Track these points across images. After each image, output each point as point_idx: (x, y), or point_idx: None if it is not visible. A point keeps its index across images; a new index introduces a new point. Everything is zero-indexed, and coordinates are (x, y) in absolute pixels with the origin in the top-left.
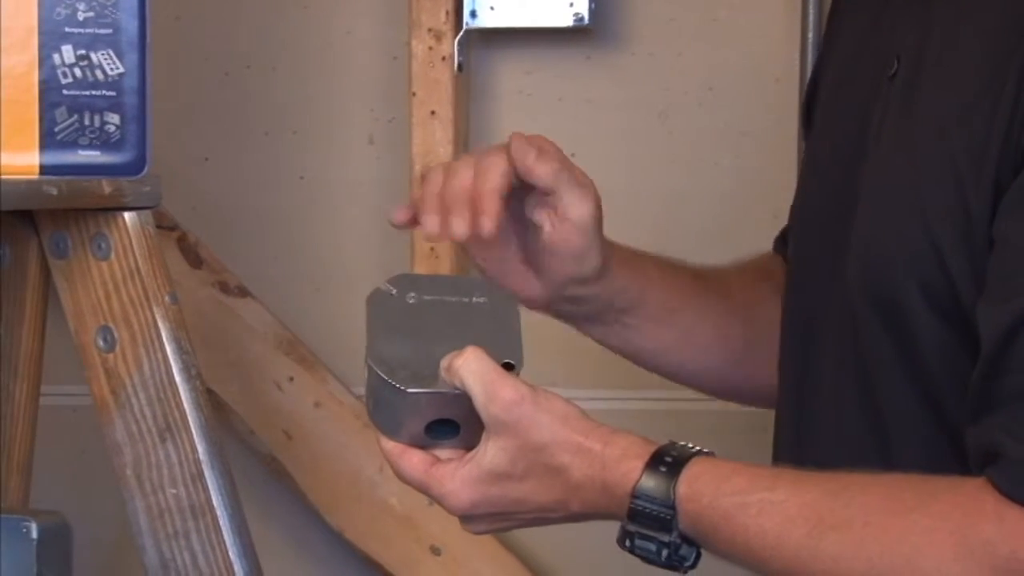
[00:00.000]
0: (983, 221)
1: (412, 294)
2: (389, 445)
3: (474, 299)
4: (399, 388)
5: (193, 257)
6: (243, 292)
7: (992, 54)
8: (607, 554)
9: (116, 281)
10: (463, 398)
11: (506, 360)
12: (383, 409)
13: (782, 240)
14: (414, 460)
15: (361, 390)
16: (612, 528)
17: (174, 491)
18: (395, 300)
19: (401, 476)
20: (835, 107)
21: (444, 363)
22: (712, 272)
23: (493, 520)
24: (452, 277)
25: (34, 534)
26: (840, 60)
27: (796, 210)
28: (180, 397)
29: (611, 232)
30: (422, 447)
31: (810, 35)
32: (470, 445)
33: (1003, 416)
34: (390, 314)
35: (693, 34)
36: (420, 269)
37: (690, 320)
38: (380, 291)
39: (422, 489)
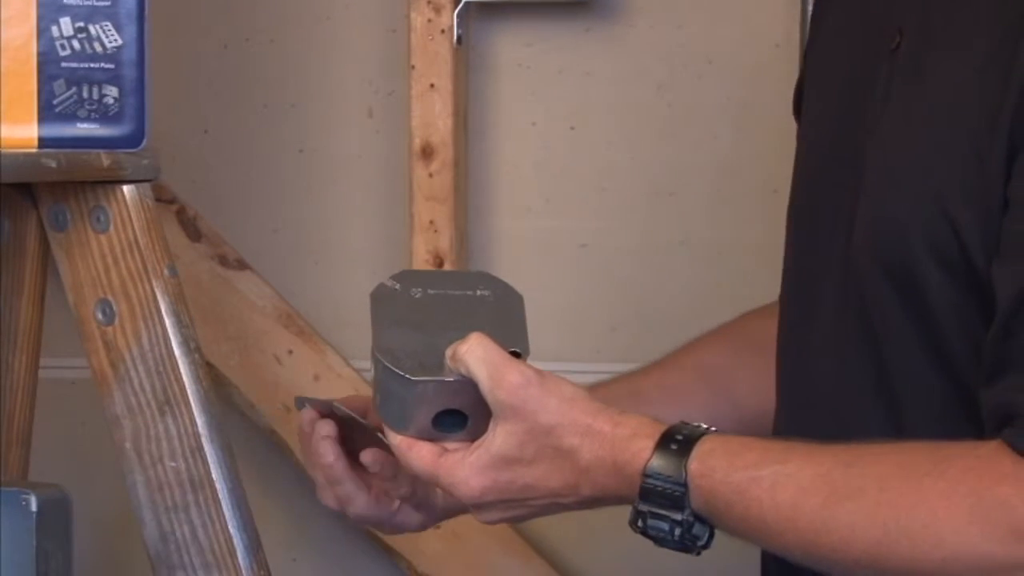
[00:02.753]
0: (997, 183)
1: (416, 289)
2: (397, 439)
3: (478, 292)
4: (405, 377)
5: (192, 230)
6: (242, 265)
7: (1002, 17)
8: (611, 531)
9: (115, 254)
10: (469, 386)
11: (513, 349)
12: (390, 402)
13: None
14: (423, 452)
15: (360, 363)
16: (616, 508)
17: (173, 464)
18: (399, 295)
19: (410, 468)
20: (831, 86)
21: (449, 351)
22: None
23: (505, 508)
24: (455, 272)
25: (34, 506)
26: (831, 42)
27: (794, 189)
28: (179, 370)
29: (611, 206)
30: (430, 440)
31: (809, 7)
32: (478, 436)
33: (1018, 377)
34: (395, 308)
35: (692, 7)
36: (418, 241)
37: None
38: (384, 286)
39: (432, 480)
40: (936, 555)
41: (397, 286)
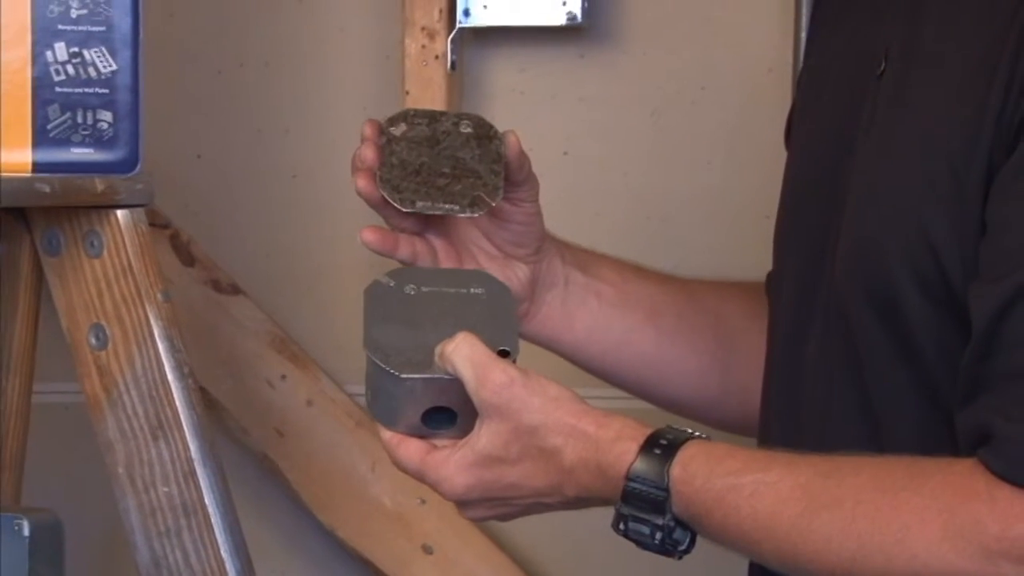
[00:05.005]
0: (975, 207)
1: (410, 286)
2: (387, 435)
3: (471, 290)
4: (394, 374)
5: (185, 255)
6: (235, 290)
7: (981, 42)
8: (600, 554)
9: (108, 279)
10: (457, 384)
11: (502, 348)
12: (381, 398)
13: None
14: (411, 448)
15: (353, 388)
16: (605, 528)
17: (166, 489)
18: (393, 291)
19: (399, 465)
20: (819, 112)
21: (437, 350)
22: (675, 277)
23: (489, 506)
24: (450, 270)
25: (26, 531)
26: (821, 68)
27: (780, 212)
28: (172, 395)
29: (604, 231)
30: (420, 437)
31: (803, 34)
32: (467, 434)
33: (993, 396)
34: (387, 304)
35: (686, 33)
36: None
37: (653, 302)
38: (378, 283)
39: (419, 477)
40: (908, 569)
41: (392, 283)
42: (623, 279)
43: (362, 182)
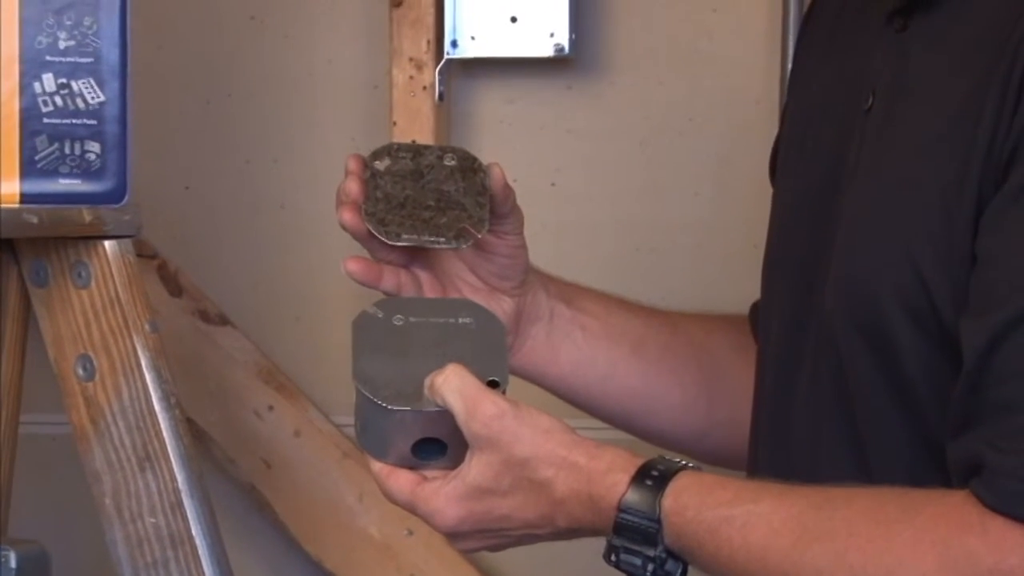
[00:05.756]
0: (965, 240)
1: (398, 316)
2: (377, 466)
3: (460, 319)
4: (383, 406)
5: (173, 285)
6: (223, 320)
7: (969, 76)
8: None
9: (96, 309)
10: (447, 416)
11: (491, 378)
12: (370, 430)
13: (756, 310)
14: (401, 480)
15: (341, 419)
16: (596, 559)
17: (153, 520)
18: (381, 322)
19: (389, 496)
20: (807, 146)
21: (427, 381)
22: (659, 309)
23: (481, 537)
24: (438, 299)
25: (13, 563)
26: (807, 103)
27: (769, 245)
28: (159, 426)
29: (593, 261)
30: (411, 468)
31: (790, 65)
32: (458, 464)
33: (985, 428)
34: (376, 335)
35: (674, 64)
36: None
37: (638, 335)
38: (366, 314)
39: (410, 509)
40: None
41: (380, 314)
42: (607, 312)
43: (347, 215)
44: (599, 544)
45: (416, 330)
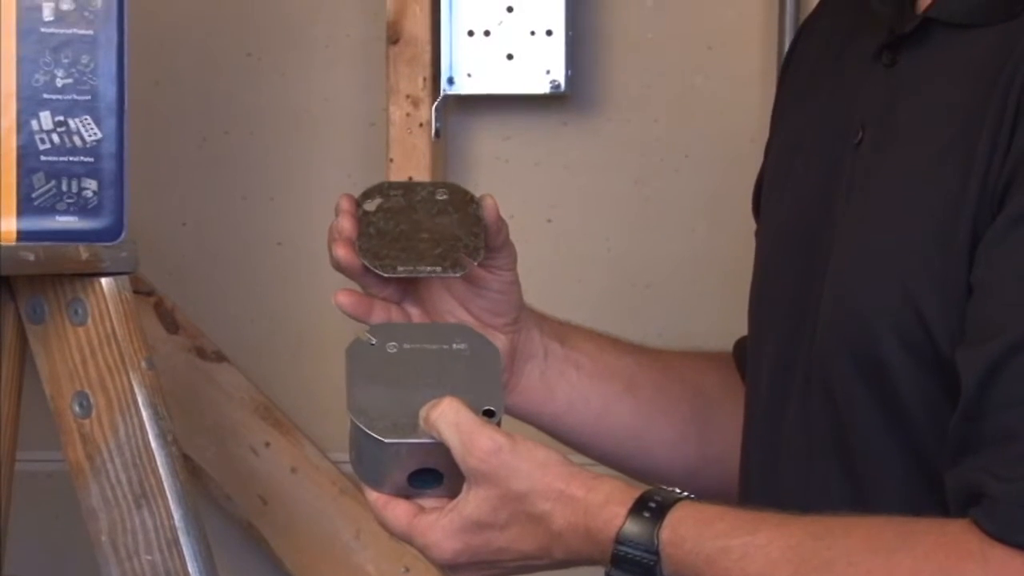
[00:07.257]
0: (961, 271)
1: (392, 343)
2: (373, 496)
3: (454, 345)
4: (378, 439)
5: (170, 322)
6: (220, 357)
7: (961, 110)
8: None
9: (92, 346)
10: (443, 447)
11: (486, 407)
12: (366, 461)
13: (740, 346)
14: (398, 511)
15: (337, 455)
16: None
17: (149, 557)
18: (375, 350)
19: (386, 526)
20: (792, 180)
21: (422, 414)
22: (649, 348)
23: (478, 569)
24: (432, 324)
25: None
26: (790, 141)
27: (755, 281)
28: (156, 463)
29: (588, 297)
30: (407, 496)
31: None
32: (455, 493)
33: (984, 457)
34: (370, 364)
35: (669, 101)
36: None
37: (630, 375)
38: (360, 341)
39: (407, 539)
40: None
41: (373, 341)
42: (600, 350)
43: (342, 251)
44: (596, 574)
45: (410, 357)
